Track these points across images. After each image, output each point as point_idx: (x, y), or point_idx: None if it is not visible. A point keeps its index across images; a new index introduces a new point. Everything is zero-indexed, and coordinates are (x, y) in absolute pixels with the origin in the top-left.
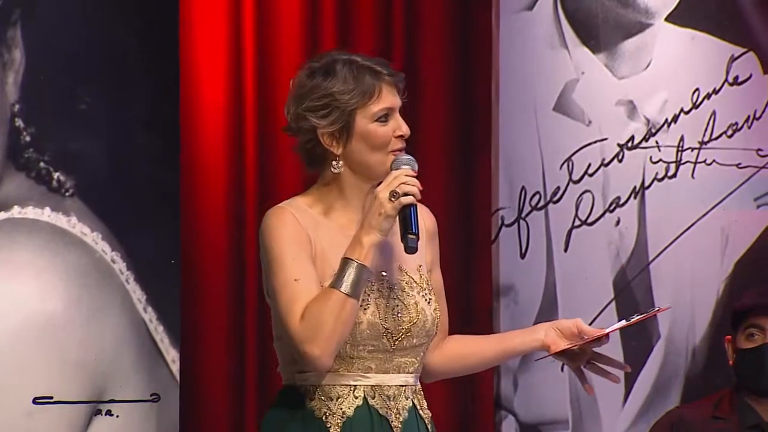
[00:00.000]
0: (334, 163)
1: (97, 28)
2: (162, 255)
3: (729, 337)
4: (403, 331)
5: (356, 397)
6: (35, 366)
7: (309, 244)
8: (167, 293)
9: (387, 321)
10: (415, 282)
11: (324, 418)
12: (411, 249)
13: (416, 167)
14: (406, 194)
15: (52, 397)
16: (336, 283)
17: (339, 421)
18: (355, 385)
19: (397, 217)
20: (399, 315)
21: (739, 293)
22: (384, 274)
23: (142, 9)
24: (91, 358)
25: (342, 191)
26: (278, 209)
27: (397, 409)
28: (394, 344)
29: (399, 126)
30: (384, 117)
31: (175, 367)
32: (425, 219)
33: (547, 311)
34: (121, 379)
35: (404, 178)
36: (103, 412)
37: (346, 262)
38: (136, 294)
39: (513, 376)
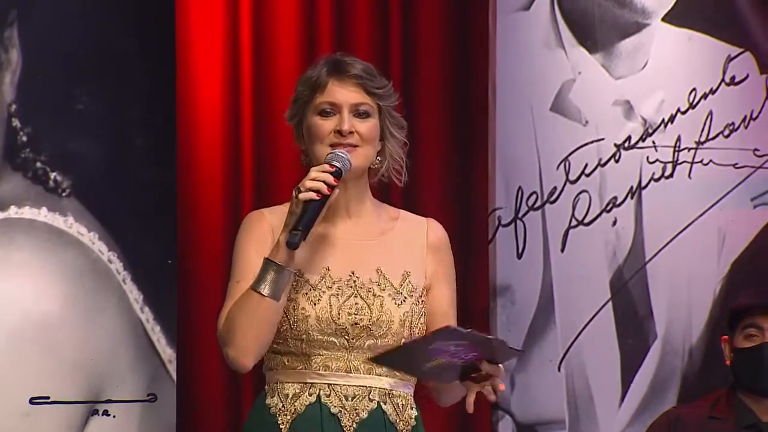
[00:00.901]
0: (302, 156)
1: (93, 28)
2: (159, 255)
3: (726, 337)
4: (360, 329)
5: (310, 395)
6: (32, 366)
7: (270, 246)
8: (164, 293)
9: (340, 318)
10: (391, 284)
11: (277, 414)
12: (289, 244)
13: (344, 163)
14: (309, 189)
15: (48, 397)
16: (254, 284)
17: (289, 418)
18: (311, 383)
19: None
20: (356, 313)
21: (736, 293)
22: (354, 273)
23: (139, 9)
24: (88, 358)
25: None
26: (253, 213)
27: (355, 410)
28: (352, 343)
29: (341, 122)
30: (326, 111)
31: (172, 367)
32: (421, 232)
33: (544, 311)
34: (118, 379)
35: (313, 174)
36: (100, 412)
37: (265, 263)
38: (133, 294)
39: (510, 376)
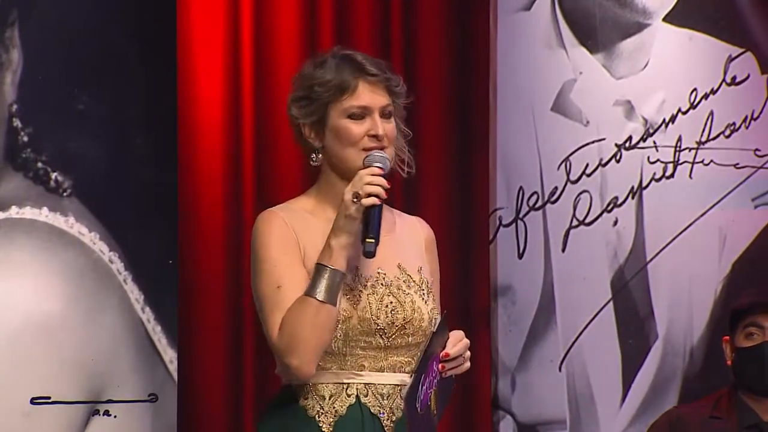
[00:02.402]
0: (314, 155)
1: (94, 28)
2: (160, 255)
3: (727, 337)
4: (396, 328)
5: (348, 395)
6: (33, 366)
7: (297, 247)
8: (165, 293)
9: (379, 318)
10: (413, 281)
11: (316, 417)
12: (368, 254)
13: (387, 165)
14: (369, 195)
15: (49, 397)
16: (310, 290)
17: (331, 419)
18: (348, 383)
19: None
20: (393, 312)
21: (737, 293)
22: (380, 270)
23: (139, 9)
24: (89, 358)
25: (329, 185)
26: (267, 213)
27: (391, 408)
28: (388, 341)
29: (374, 126)
30: (358, 115)
31: (173, 367)
32: (418, 230)
33: (545, 312)
34: (119, 379)
35: (368, 178)
36: (101, 412)
37: (318, 268)
38: (134, 294)
39: (511, 376)
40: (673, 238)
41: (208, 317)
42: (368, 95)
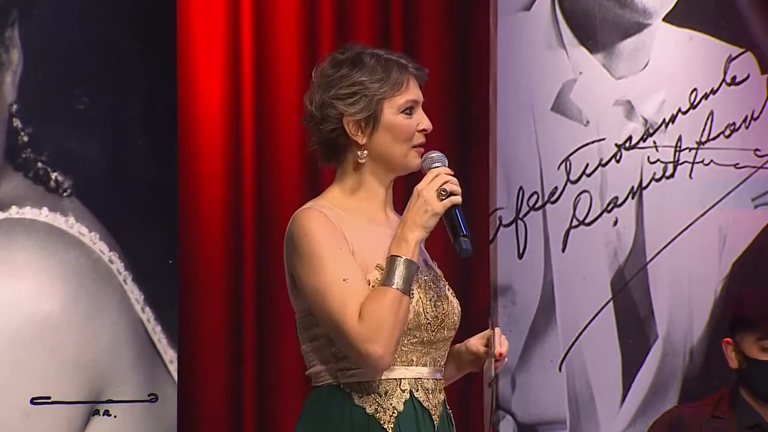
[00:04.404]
0: (359, 153)
1: (94, 28)
2: (160, 255)
3: (728, 340)
4: (439, 321)
5: (403, 391)
6: (33, 366)
7: (345, 241)
8: (165, 293)
9: (428, 312)
10: (439, 275)
11: (376, 414)
12: (465, 251)
13: (447, 163)
14: (452, 193)
15: (49, 397)
16: (388, 281)
17: (390, 417)
18: (400, 379)
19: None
20: (436, 305)
21: (738, 293)
22: (421, 270)
23: (139, 9)
24: (89, 358)
25: (364, 183)
26: (307, 210)
27: (435, 402)
28: (432, 336)
29: (422, 120)
30: (409, 110)
31: (173, 367)
32: None
33: (545, 312)
34: (119, 379)
35: (447, 177)
36: (101, 413)
37: (393, 259)
38: (134, 294)
39: (511, 377)
40: (673, 238)
41: (208, 317)
42: (415, 90)
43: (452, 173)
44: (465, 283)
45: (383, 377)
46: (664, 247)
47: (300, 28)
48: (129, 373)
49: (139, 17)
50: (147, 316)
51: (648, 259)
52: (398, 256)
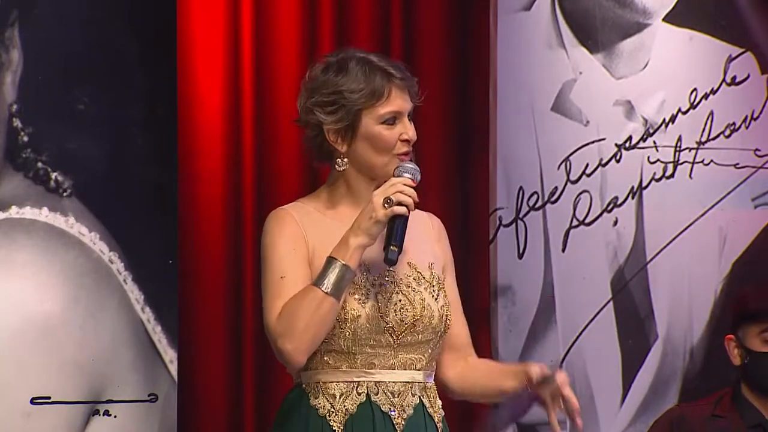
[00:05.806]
0: (338, 160)
1: (94, 28)
2: (160, 255)
3: (731, 336)
4: (406, 326)
5: (359, 394)
6: (33, 366)
7: (305, 246)
8: (165, 293)
9: (388, 316)
10: (424, 278)
11: (327, 416)
12: (390, 261)
13: (418, 177)
14: (400, 203)
15: (49, 398)
16: (317, 281)
17: (342, 418)
18: (358, 382)
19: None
20: (402, 310)
21: (739, 290)
22: (390, 269)
23: (139, 10)
24: (89, 359)
25: (349, 189)
26: (277, 210)
27: (402, 405)
28: (398, 339)
29: (405, 130)
30: (391, 120)
31: (173, 368)
32: (428, 225)
33: (545, 312)
34: (119, 379)
35: (401, 187)
36: (101, 413)
37: (330, 261)
38: (134, 294)
39: None
40: (673, 238)
41: (208, 317)
42: (399, 100)
43: (413, 185)
44: (465, 283)
45: (340, 379)
46: (664, 247)
47: (300, 29)
48: (129, 373)
49: (139, 17)
50: (147, 316)
51: (648, 259)
52: (334, 259)
